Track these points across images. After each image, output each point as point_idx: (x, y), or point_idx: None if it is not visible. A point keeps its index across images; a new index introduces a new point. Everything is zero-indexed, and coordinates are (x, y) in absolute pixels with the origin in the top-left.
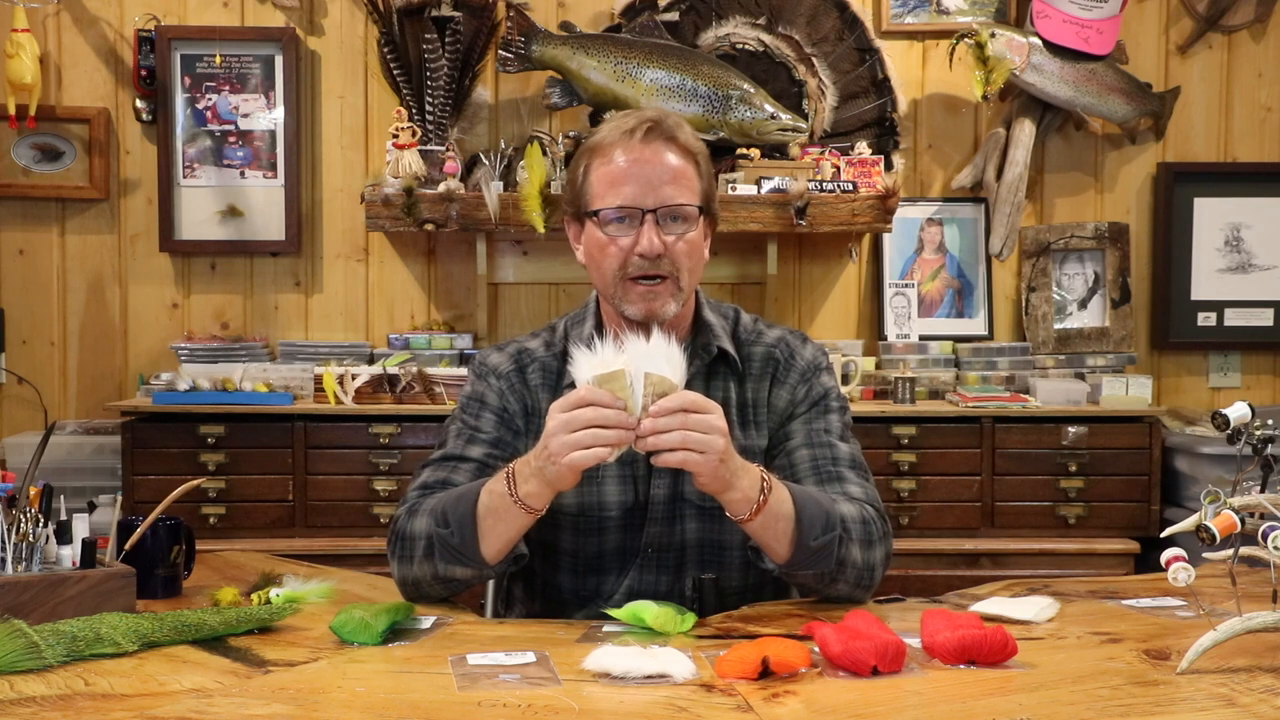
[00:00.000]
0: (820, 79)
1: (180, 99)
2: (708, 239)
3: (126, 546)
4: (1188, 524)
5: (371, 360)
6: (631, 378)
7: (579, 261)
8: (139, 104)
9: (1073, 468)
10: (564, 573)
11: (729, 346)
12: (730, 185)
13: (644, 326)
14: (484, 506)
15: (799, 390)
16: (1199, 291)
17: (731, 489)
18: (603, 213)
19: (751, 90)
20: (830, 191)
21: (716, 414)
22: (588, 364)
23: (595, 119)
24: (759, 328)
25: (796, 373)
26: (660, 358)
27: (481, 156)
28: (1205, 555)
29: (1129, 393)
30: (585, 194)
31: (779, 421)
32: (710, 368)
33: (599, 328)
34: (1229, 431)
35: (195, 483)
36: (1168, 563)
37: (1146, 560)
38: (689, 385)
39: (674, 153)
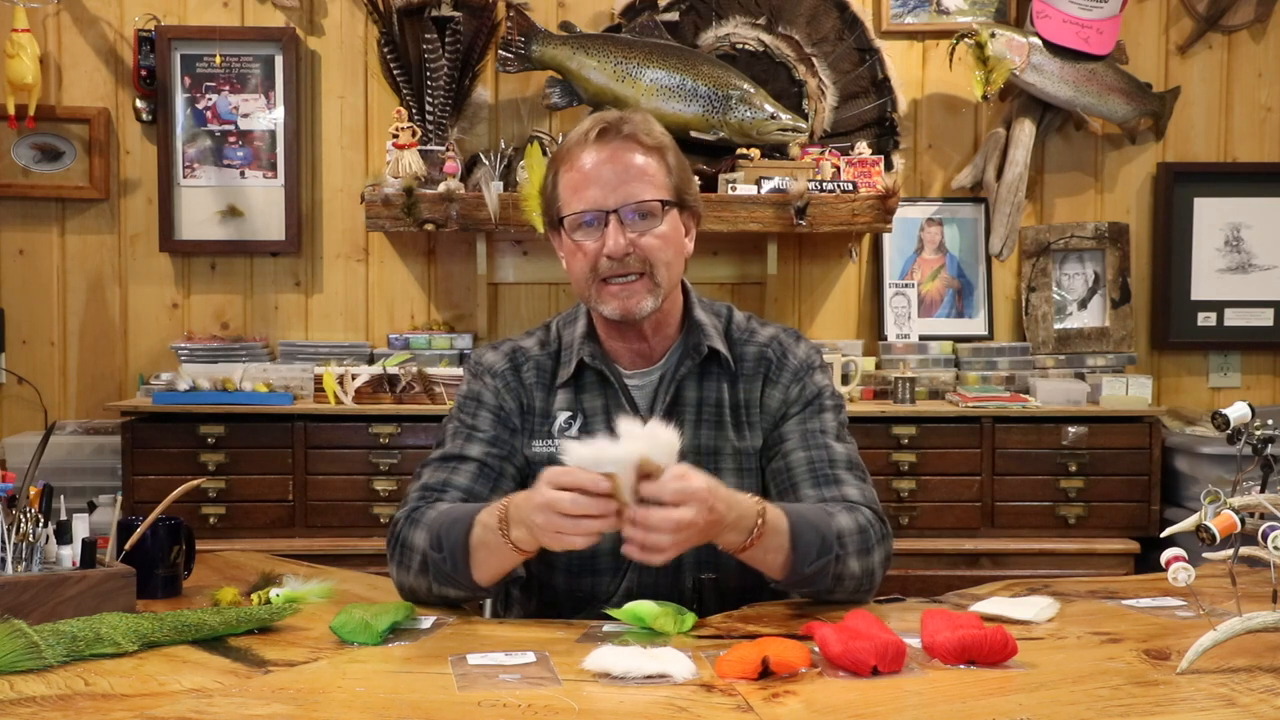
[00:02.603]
0: (820, 79)
1: (180, 99)
2: (689, 232)
3: (126, 546)
4: (1188, 524)
5: (371, 360)
6: (623, 478)
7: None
8: (139, 104)
9: (1073, 468)
10: (559, 574)
11: (721, 346)
12: (730, 185)
13: (623, 325)
14: (476, 539)
15: (792, 390)
16: (1199, 291)
17: (718, 540)
18: (568, 219)
19: (751, 90)
20: (830, 191)
21: (693, 508)
22: (582, 457)
23: None
24: (752, 326)
25: (789, 372)
26: (651, 444)
27: (481, 156)
28: (1205, 555)
29: (1129, 393)
30: (555, 203)
31: (772, 422)
32: (702, 368)
33: (590, 327)
34: (1229, 431)
35: (195, 483)
36: (1168, 563)
37: (1146, 560)
38: (683, 386)
39: (634, 149)
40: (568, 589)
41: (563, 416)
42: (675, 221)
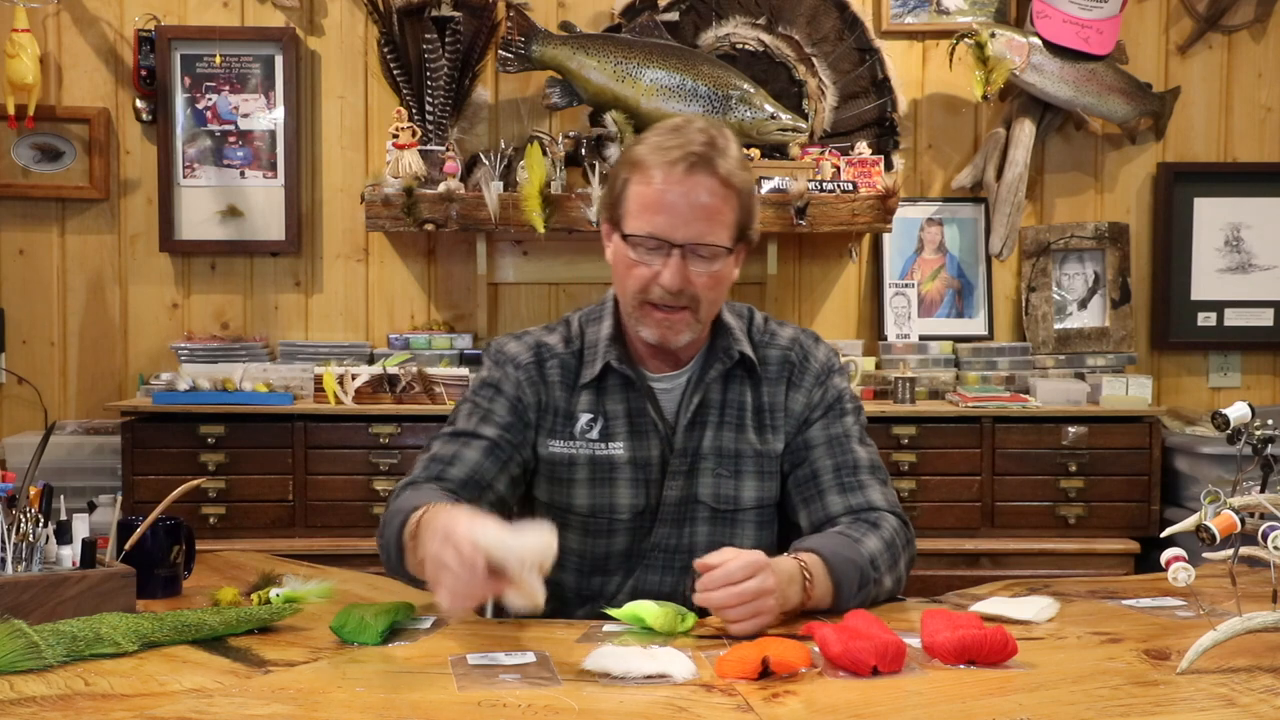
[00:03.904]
0: (820, 79)
1: (180, 99)
2: (738, 263)
3: (126, 546)
4: (1188, 524)
5: (371, 360)
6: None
7: (607, 260)
8: (139, 104)
9: (1073, 468)
10: (569, 572)
11: (749, 350)
12: None
13: (657, 350)
14: (407, 534)
15: (814, 394)
16: (1199, 291)
17: (786, 604)
18: (631, 236)
19: (751, 90)
20: (830, 191)
21: (760, 576)
22: (493, 542)
23: (595, 119)
24: (771, 328)
25: (811, 376)
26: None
27: (481, 156)
28: (1205, 555)
29: (1129, 393)
30: (620, 207)
31: (796, 426)
32: (727, 371)
33: (617, 330)
34: (1229, 431)
35: (195, 483)
36: (1168, 563)
37: (1146, 560)
38: (708, 390)
39: (714, 186)
40: (576, 587)
41: (584, 418)
42: (732, 261)
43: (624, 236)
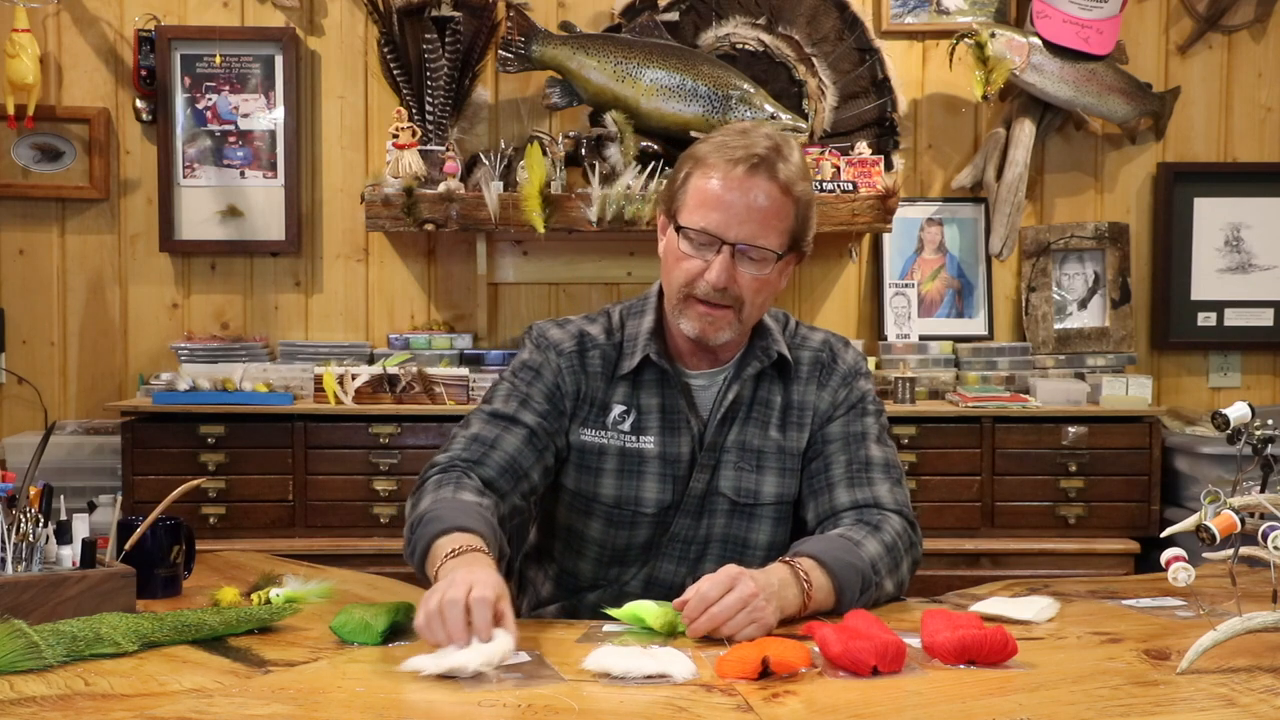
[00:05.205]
0: (820, 79)
1: (180, 99)
2: (786, 273)
3: (126, 546)
4: (1188, 524)
5: (371, 360)
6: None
7: (659, 253)
8: (139, 104)
9: (1073, 468)
10: (587, 561)
11: (786, 351)
12: None
13: (697, 344)
14: (432, 554)
15: (839, 393)
16: (1199, 291)
17: (786, 607)
18: (685, 229)
19: (751, 90)
20: (830, 191)
21: (741, 584)
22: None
23: (595, 119)
24: (803, 332)
25: (838, 376)
26: (488, 651)
27: (481, 156)
28: (1205, 555)
29: (1129, 393)
30: (678, 199)
31: (820, 424)
32: (761, 370)
33: (658, 324)
34: (1229, 431)
35: (195, 483)
36: (1168, 563)
37: (1146, 560)
38: (742, 387)
39: (772, 191)
40: (593, 575)
41: (617, 409)
42: (781, 268)
43: (678, 228)
